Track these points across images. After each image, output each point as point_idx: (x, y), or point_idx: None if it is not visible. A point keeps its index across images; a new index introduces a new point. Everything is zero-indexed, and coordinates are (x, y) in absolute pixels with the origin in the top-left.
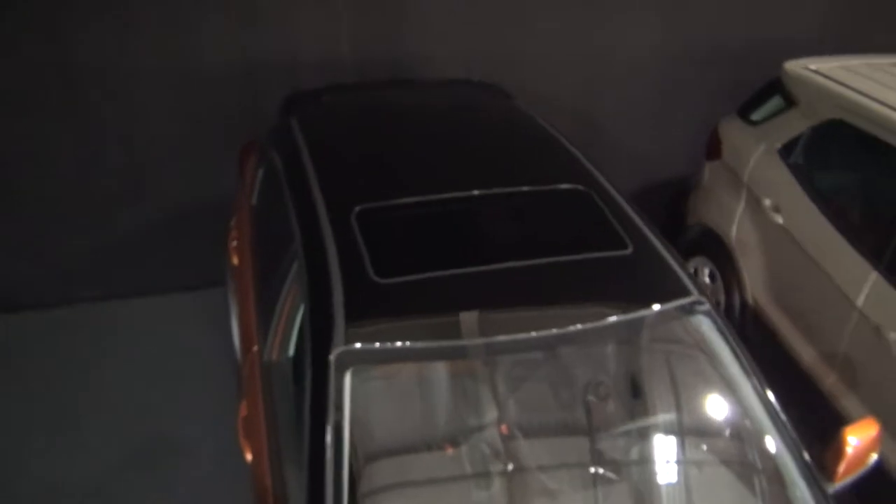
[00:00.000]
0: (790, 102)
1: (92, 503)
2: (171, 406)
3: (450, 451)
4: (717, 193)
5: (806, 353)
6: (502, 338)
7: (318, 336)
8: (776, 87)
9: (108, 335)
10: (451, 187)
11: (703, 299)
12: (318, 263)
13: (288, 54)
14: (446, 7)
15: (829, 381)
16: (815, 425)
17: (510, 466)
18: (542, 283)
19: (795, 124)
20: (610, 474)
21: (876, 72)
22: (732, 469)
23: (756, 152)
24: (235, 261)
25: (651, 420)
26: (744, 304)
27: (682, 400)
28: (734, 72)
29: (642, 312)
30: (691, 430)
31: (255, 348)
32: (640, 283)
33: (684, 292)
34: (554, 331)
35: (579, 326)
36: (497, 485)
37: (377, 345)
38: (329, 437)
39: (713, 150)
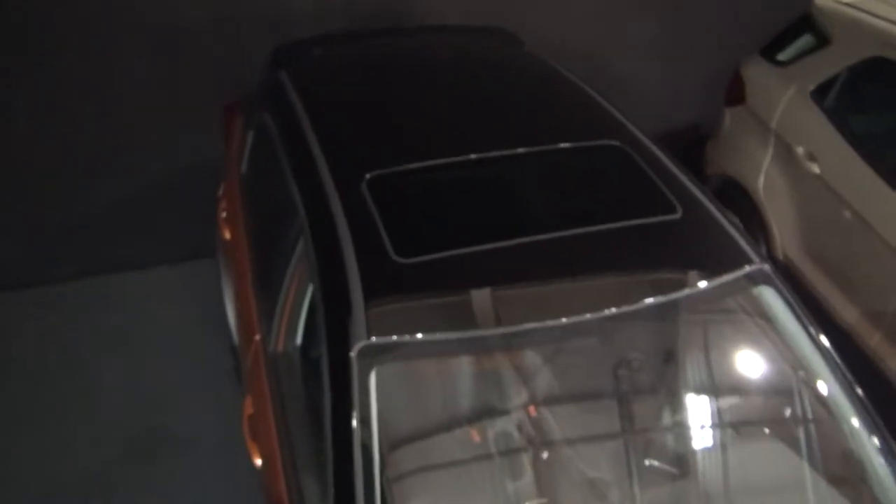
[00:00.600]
0: (822, 40)
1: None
2: (165, 391)
3: (488, 446)
4: (741, 141)
5: (847, 312)
6: (549, 323)
7: (335, 328)
8: (806, 24)
9: (90, 314)
10: (471, 148)
11: (766, 266)
12: (327, 242)
13: (273, 2)
14: None
15: (874, 341)
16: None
17: (544, 454)
18: (583, 257)
19: (830, 64)
20: (665, 466)
21: None
22: (813, 465)
23: (785, 96)
24: (227, 235)
25: (712, 405)
26: (772, 259)
27: (749, 384)
28: (751, 9)
29: (699, 286)
30: (760, 417)
31: (258, 337)
32: (693, 251)
33: (745, 259)
34: (605, 312)
35: (630, 307)
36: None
37: (405, 337)
38: (355, 443)
39: (735, 94)
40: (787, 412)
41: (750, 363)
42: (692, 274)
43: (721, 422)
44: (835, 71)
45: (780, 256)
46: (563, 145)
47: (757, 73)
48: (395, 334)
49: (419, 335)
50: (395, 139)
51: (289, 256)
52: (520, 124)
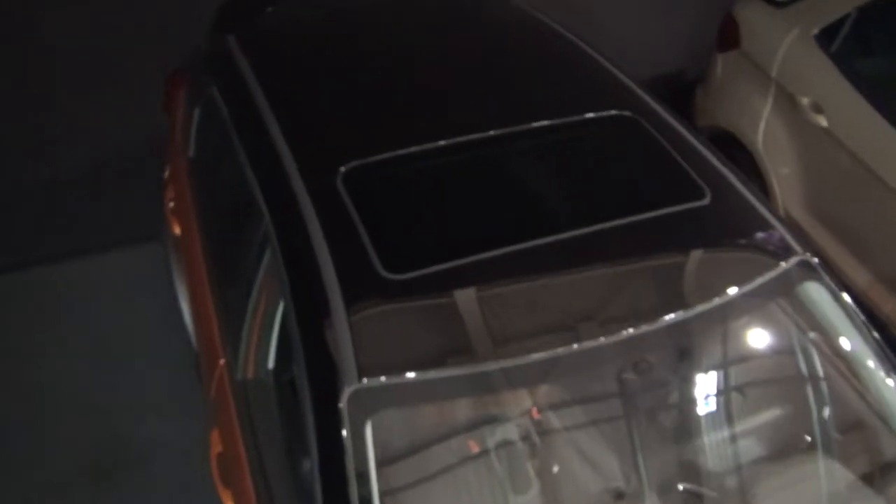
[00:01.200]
0: None
1: None
2: (123, 394)
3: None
4: (736, 90)
5: (859, 276)
6: (583, 345)
7: (317, 365)
8: None
9: (28, 309)
10: (461, 127)
11: (811, 258)
12: (299, 254)
13: None
14: None
15: (890, 306)
16: None
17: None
18: (607, 258)
19: (836, 5)
20: (703, 490)
21: None
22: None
23: (786, 40)
24: (177, 230)
25: (752, 419)
26: None
27: (795, 398)
28: None
29: (740, 288)
30: (804, 433)
31: (223, 362)
32: (728, 245)
33: (787, 250)
34: (639, 329)
35: (664, 320)
36: None
37: (405, 377)
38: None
39: (728, 38)
40: (837, 428)
41: (793, 372)
42: (727, 275)
43: (761, 441)
44: (842, 13)
45: (782, 215)
46: (568, 119)
47: (752, 15)
48: (391, 373)
49: (422, 373)
50: (371, 120)
51: (253, 268)
52: (516, 94)
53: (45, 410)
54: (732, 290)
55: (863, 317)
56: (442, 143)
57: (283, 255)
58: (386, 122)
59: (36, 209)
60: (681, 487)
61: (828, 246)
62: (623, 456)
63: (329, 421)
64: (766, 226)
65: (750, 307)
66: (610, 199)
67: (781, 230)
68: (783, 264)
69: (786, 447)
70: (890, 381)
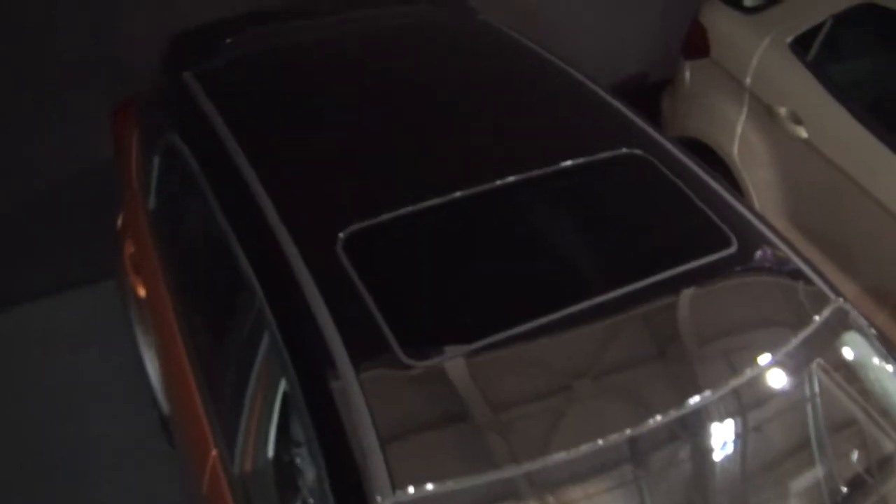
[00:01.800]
0: None
1: None
2: (82, 458)
3: None
4: (708, 100)
5: (844, 288)
6: (634, 431)
7: (339, 478)
8: None
9: None
10: (466, 177)
11: (845, 303)
12: (304, 340)
13: None
14: None
15: (880, 319)
16: None
17: None
18: (641, 326)
19: (810, 11)
20: None
21: None
22: None
23: (760, 49)
24: (142, 292)
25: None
26: None
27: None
28: None
29: (783, 346)
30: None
31: (215, 453)
32: (762, 298)
33: (822, 299)
34: (691, 403)
35: (711, 392)
36: None
37: (445, 483)
38: None
39: (696, 45)
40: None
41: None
42: (766, 332)
43: None
44: (817, 20)
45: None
46: (576, 162)
47: (721, 22)
48: (426, 481)
49: (462, 479)
50: (363, 173)
51: (246, 350)
52: (515, 132)
53: None
54: (771, 357)
55: None
56: (449, 197)
57: (286, 345)
58: (380, 173)
59: None
60: None
61: (810, 257)
62: None
63: None
64: (795, 272)
65: (792, 369)
66: (635, 254)
67: (811, 274)
68: (817, 318)
69: None
70: None
